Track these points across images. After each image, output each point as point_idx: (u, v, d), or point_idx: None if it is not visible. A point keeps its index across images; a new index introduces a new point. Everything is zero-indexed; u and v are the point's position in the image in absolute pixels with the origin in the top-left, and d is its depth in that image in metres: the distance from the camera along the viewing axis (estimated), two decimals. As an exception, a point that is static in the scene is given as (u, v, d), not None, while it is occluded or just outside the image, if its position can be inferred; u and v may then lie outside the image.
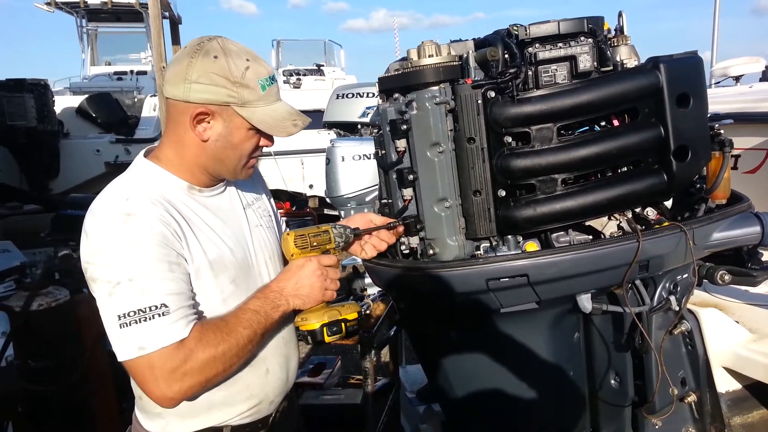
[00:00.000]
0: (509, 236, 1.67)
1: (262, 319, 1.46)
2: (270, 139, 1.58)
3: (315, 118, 9.24)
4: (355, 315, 1.58)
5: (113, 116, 10.54)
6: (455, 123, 1.64)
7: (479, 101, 1.60)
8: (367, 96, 8.19)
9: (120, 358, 1.38)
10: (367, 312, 3.08)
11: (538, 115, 1.60)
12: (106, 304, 1.38)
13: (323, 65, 12.77)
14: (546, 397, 1.98)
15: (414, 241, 1.76)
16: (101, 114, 10.51)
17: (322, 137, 8.59)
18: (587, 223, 1.76)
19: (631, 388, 1.95)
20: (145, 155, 1.59)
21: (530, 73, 1.65)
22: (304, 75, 11.85)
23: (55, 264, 3.49)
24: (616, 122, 1.69)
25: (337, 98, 8.49)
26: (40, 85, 8.49)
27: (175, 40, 10.05)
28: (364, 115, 8.21)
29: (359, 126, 8.22)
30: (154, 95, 9.76)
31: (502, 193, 1.65)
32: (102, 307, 1.40)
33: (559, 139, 1.63)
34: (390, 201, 1.85)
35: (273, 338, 1.64)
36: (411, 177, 1.71)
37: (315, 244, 1.56)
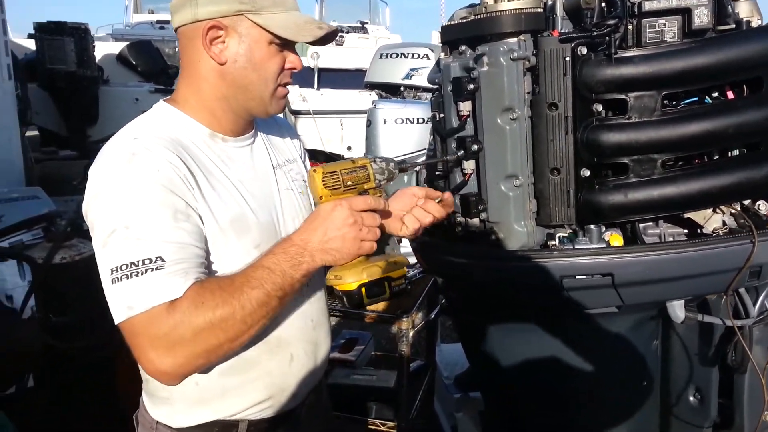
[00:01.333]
0: (591, 225, 1.38)
1: (278, 278, 1.17)
2: (297, 58, 1.33)
3: (357, 78, 8.94)
4: (402, 272, 1.27)
5: (154, 65, 10.35)
6: (534, 84, 1.35)
7: (567, 59, 1.30)
8: (412, 57, 7.79)
9: (115, 320, 1.15)
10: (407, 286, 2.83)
11: (641, 79, 1.29)
12: (100, 256, 1.16)
13: (367, 23, 12.31)
14: (612, 408, 1.73)
15: (473, 222, 1.49)
16: (142, 62, 10.34)
17: (363, 98, 8.26)
18: (686, 215, 1.46)
19: (714, 407, 1.68)
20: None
21: (631, 27, 1.34)
22: (347, 32, 11.44)
23: (81, 215, 3.32)
24: (731, 94, 1.38)
25: (381, 58, 8.11)
26: (81, 30, 8.30)
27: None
28: (407, 77, 7.83)
29: (402, 88, 7.85)
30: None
31: (586, 172, 1.37)
32: (98, 260, 1.18)
33: (663, 111, 1.33)
34: (445, 175, 1.58)
35: (300, 319, 1.40)
36: (475, 147, 1.43)
37: (349, 183, 1.23)
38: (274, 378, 1.39)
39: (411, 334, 2.53)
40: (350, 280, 1.22)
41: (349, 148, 8.90)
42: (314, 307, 1.46)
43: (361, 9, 13.17)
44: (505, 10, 1.31)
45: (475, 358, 1.86)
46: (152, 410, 1.41)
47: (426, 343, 3.10)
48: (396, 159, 1.30)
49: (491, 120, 1.38)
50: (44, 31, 7.95)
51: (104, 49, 9.75)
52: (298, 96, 8.93)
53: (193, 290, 1.14)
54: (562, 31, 1.33)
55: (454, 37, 1.47)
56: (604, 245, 1.37)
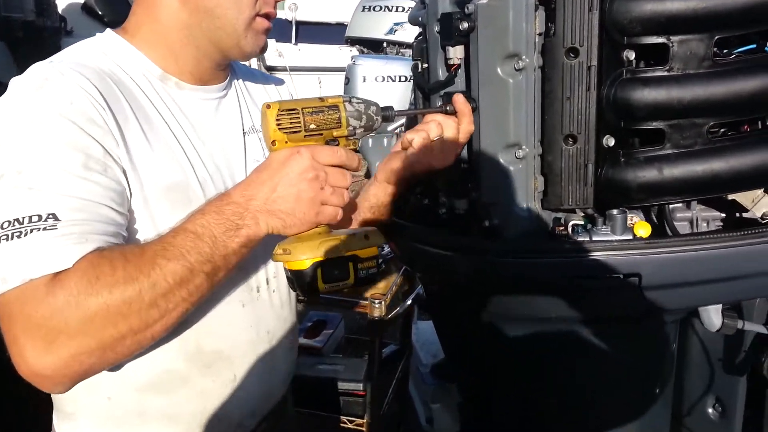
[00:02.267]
0: (614, 211, 1.07)
1: (205, 247, 0.86)
2: None
3: (338, 33, 8.47)
4: (373, 251, 0.95)
5: (122, 15, 9.73)
6: (549, 23, 1.02)
7: (595, -13, 0.97)
8: (397, 10, 7.33)
9: None
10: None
11: (692, 16, 0.97)
12: None
13: (351, -25, 11.71)
14: (615, 414, 1.45)
15: (461, 204, 1.18)
16: (109, 12, 9.72)
17: (344, 54, 7.83)
18: (731, 196, 1.16)
19: (739, 421, 1.41)
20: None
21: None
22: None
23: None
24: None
25: (363, 11, 7.64)
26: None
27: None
28: (391, 32, 7.40)
29: (385, 44, 7.42)
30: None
31: (611, 141, 1.05)
32: None
33: (715, 61, 1.00)
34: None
35: (248, 328, 1.09)
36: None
37: (313, 126, 0.90)
38: (209, 402, 1.08)
39: (385, 321, 2.24)
40: (302, 257, 0.89)
41: (328, 108, 8.51)
42: (273, 314, 1.14)
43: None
44: None
45: (455, 358, 1.56)
46: (58, 425, 1.10)
47: (402, 321, 2.82)
48: (379, 104, 0.97)
49: (490, 70, 1.05)
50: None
51: (64, -3, 9.15)
52: (273, 51, 8.45)
53: (87, 261, 0.81)
54: (588, -50, 0.99)
55: (443, -41, 1.12)
56: (631, 236, 1.06)
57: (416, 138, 1.09)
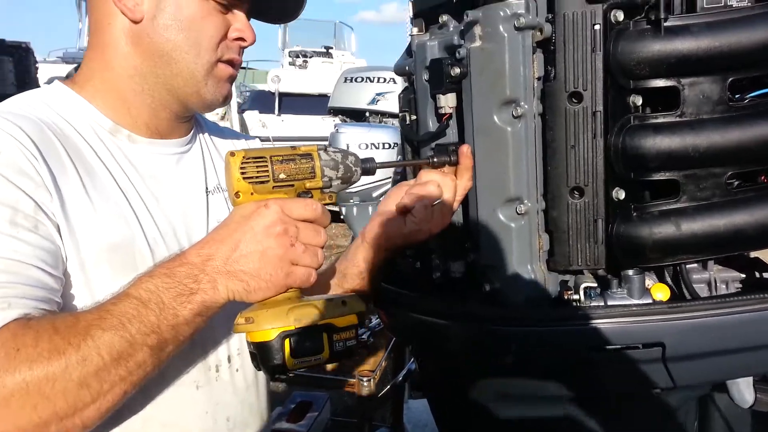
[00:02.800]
0: (630, 272, 0.96)
1: (151, 315, 0.73)
2: (247, 26, 0.95)
3: (320, 104, 8.55)
4: (351, 320, 0.81)
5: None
6: (549, 66, 0.94)
7: (597, 27, 0.89)
8: (378, 81, 7.47)
9: None
10: (370, 340, 2.37)
11: (704, 57, 0.89)
12: None
13: (332, 48, 11.99)
14: None
15: (458, 267, 1.06)
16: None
17: (327, 123, 7.90)
18: (753, 254, 1.05)
19: None
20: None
21: (681, -13, 0.94)
22: (311, 57, 11.09)
23: None
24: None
25: (345, 82, 7.76)
26: (22, 48, 7.79)
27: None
28: (373, 102, 7.51)
29: (367, 114, 7.50)
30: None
31: (621, 194, 0.95)
32: None
33: (730, 105, 0.92)
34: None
35: (204, 415, 0.94)
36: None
37: (283, 176, 0.79)
38: None
39: (374, 401, 2.07)
40: (267, 326, 0.75)
41: (311, 177, 8.49)
42: (235, 399, 0.99)
43: (326, 34, 12.90)
44: (506, -44, 0.90)
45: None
46: None
47: (393, 401, 2.63)
48: (359, 155, 0.86)
49: (486, 118, 0.95)
50: (-21, 50, 7.38)
51: (50, 71, 9.21)
52: (257, 121, 8.50)
53: (8, 330, 0.68)
54: (588, -11, 0.92)
55: (430, 3, 1.05)
56: (650, 300, 0.94)
57: (417, 206, 0.97)
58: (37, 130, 0.82)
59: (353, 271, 1.03)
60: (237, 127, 8.11)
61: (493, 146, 0.96)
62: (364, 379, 1.99)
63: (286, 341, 0.75)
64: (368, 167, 0.86)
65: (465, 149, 0.96)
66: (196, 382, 0.93)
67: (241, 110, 8.56)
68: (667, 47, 0.89)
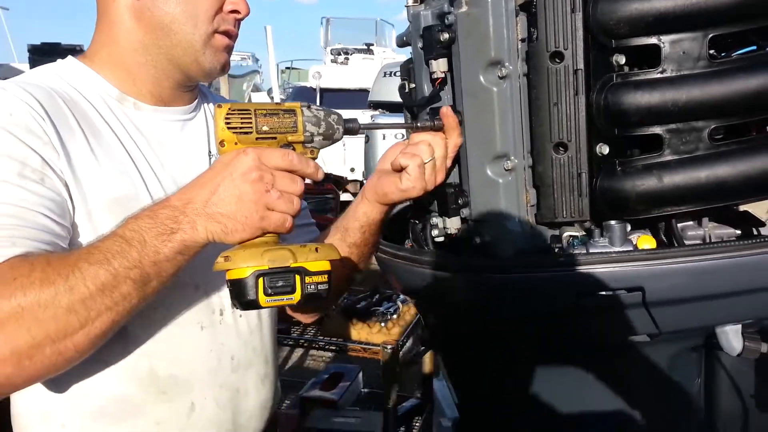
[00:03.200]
0: (612, 222, 1.00)
1: (133, 252, 0.79)
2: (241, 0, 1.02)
3: (361, 98, 8.64)
4: (323, 265, 0.85)
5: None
6: (532, 28, 0.99)
7: (576, -12, 0.94)
8: (417, 74, 7.49)
9: None
10: (395, 317, 2.44)
11: (681, 14, 0.92)
12: None
13: (373, 45, 12.09)
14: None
15: (453, 223, 1.11)
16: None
17: (366, 117, 7.96)
18: (742, 208, 1.08)
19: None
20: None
21: (663, -53, 0.97)
22: (352, 53, 11.22)
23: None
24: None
25: (384, 76, 7.81)
26: (76, 51, 8.14)
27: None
28: (412, 94, 7.52)
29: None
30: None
31: (605, 149, 0.99)
32: None
33: (710, 61, 0.95)
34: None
35: (209, 354, 1.01)
36: (453, 120, 1.06)
37: (266, 128, 0.84)
38: (166, 431, 1.01)
39: (396, 369, 2.14)
40: (242, 264, 0.81)
41: (352, 170, 8.59)
42: (238, 341, 1.06)
43: (367, 32, 13.00)
44: (488, -76, 0.95)
45: (463, 401, 1.46)
46: None
47: (422, 376, 2.70)
48: (340, 114, 0.91)
49: (473, 80, 1.01)
50: (37, 53, 7.77)
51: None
52: (298, 116, 8.67)
53: (8, 263, 0.77)
54: (568, -47, 0.96)
55: (424, -25, 1.11)
56: (631, 248, 0.98)
57: (411, 165, 1.01)
58: (47, 96, 0.90)
59: (354, 225, 1.10)
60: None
61: (480, 106, 1.02)
62: (389, 346, 2.05)
63: (260, 280, 0.81)
64: (351, 126, 0.92)
65: (445, 110, 1.02)
66: (200, 324, 1.01)
67: (284, 106, 8.75)
68: (644, 5, 0.93)
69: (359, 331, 2.31)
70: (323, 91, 8.72)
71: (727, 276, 0.93)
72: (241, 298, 0.81)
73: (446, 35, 1.02)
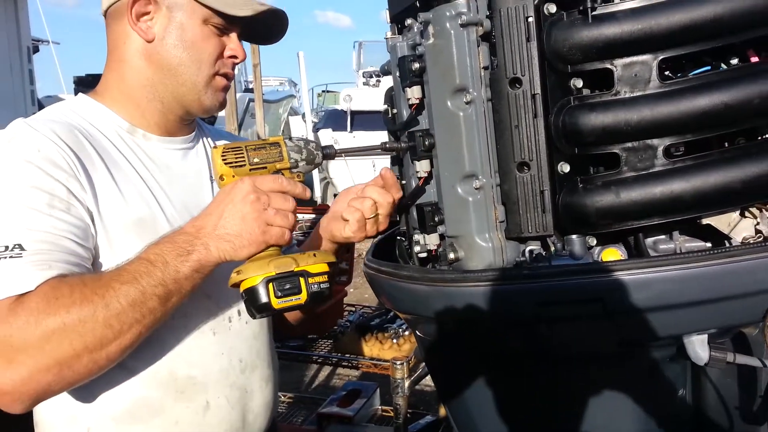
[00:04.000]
0: (573, 236, 1.06)
1: (157, 272, 0.92)
2: (239, 46, 1.15)
3: (391, 119, 8.81)
4: (322, 267, 0.97)
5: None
6: (492, 56, 1.06)
7: (530, 19, 1.01)
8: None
9: None
10: (407, 333, 2.50)
11: (629, 40, 0.99)
12: None
13: (405, 67, 12.23)
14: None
15: (432, 239, 1.19)
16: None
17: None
18: (705, 221, 1.12)
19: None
20: None
21: (616, -22, 1.04)
22: (383, 76, 11.40)
23: None
24: (755, 58, 1.05)
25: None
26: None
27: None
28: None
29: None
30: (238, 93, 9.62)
31: (566, 167, 1.05)
32: None
33: (662, 82, 1.01)
34: (404, 182, 1.29)
35: (221, 357, 1.13)
36: (427, 142, 1.14)
37: (257, 160, 0.98)
38: (184, 429, 1.11)
39: (407, 384, 2.19)
40: (252, 274, 0.93)
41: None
42: (245, 345, 1.18)
43: (398, 54, 13.13)
44: (448, -38, 1.04)
45: (450, 412, 1.51)
46: None
47: (436, 393, 2.74)
48: (318, 142, 1.06)
49: (441, 105, 1.09)
50: (83, 84, 8.19)
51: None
52: (329, 138, 8.85)
53: (48, 285, 0.89)
54: (525, -13, 1.04)
55: (399, 8, 1.20)
56: (591, 260, 1.04)
57: (351, 219, 1.15)
58: (68, 132, 1.03)
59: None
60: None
61: (449, 129, 1.09)
62: (398, 362, 2.12)
63: (270, 285, 0.92)
64: (328, 152, 1.05)
65: (383, 171, 1.17)
66: (212, 330, 1.12)
67: (316, 129, 8.95)
68: (593, 33, 0.99)
69: (371, 348, 2.38)
70: (354, 113, 8.90)
71: (680, 287, 0.97)
72: (256, 303, 0.92)
73: (417, 65, 1.11)
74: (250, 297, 0.93)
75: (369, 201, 1.13)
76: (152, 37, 1.10)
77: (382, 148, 1.13)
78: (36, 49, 8.01)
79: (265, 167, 0.99)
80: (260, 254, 0.95)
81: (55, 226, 0.94)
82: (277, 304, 0.92)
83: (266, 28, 1.19)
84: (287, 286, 0.93)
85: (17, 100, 5.95)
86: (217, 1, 1.09)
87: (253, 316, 0.96)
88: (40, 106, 7.38)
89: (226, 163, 0.97)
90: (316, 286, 0.95)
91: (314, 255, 0.97)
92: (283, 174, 1.00)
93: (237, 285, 0.95)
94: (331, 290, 0.97)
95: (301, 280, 0.94)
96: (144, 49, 1.10)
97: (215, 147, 0.99)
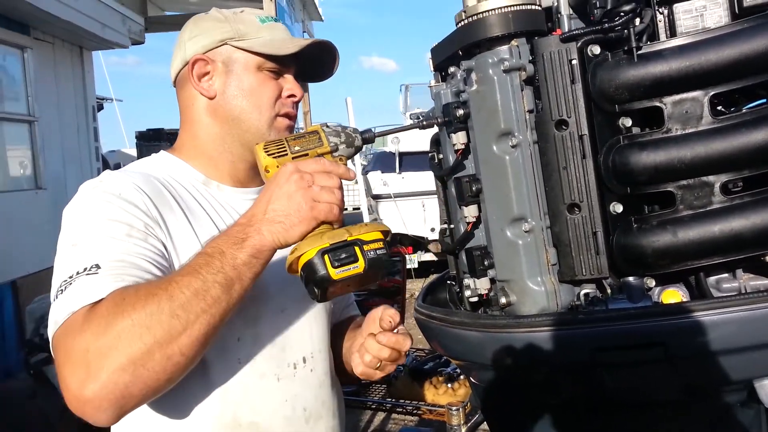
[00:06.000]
0: (630, 278, 1.03)
1: (215, 261, 0.93)
2: (295, 85, 1.20)
3: (439, 160, 8.85)
4: (376, 235, 0.95)
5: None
6: (537, 100, 1.06)
7: (574, 61, 1.01)
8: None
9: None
10: (462, 377, 2.45)
11: (677, 78, 0.97)
12: (53, 280, 1.00)
13: (451, 107, 12.33)
14: None
15: (482, 284, 1.17)
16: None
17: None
18: (770, 260, 1.07)
19: None
20: None
21: (661, 17, 1.04)
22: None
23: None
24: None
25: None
26: (175, 135, 8.90)
27: (303, 87, 10.16)
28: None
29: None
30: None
31: (618, 207, 1.03)
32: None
33: (714, 118, 0.99)
34: (452, 226, 1.28)
35: (284, 404, 1.12)
36: (474, 188, 1.14)
37: (297, 148, 0.99)
38: None
39: (464, 431, 2.14)
40: (307, 249, 0.92)
41: (432, 230, 8.68)
42: (310, 393, 1.18)
43: (444, 95, 13.26)
44: (489, 10, 1.05)
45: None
46: None
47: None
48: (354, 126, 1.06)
49: (487, 150, 1.10)
50: (143, 139, 8.59)
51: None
52: (378, 180, 8.94)
53: (117, 291, 0.91)
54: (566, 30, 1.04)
55: (442, 57, 1.22)
56: (651, 303, 1.00)
57: (367, 361, 1.09)
58: (148, 182, 1.09)
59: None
60: (362, 189, 8.58)
61: (495, 173, 1.09)
62: (453, 408, 2.07)
63: (326, 256, 0.90)
64: (367, 136, 1.05)
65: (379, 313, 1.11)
66: (277, 376, 1.12)
67: (365, 172, 9.05)
68: (640, 72, 0.98)
69: (426, 393, 2.34)
70: (402, 154, 8.97)
71: (748, 329, 0.93)
72: (314, 276, 0.90)
73: (461, 111, 1.11)
74: (308, 272, 0.92)
75: (385, 351, 1.08)
76: (214, 94, 1.16)
77: (420, 126, 1.13)
78: (100, 107, 8.47)
79: (307, 154, 1.00)
80: (312, 233, 0.94)
81: (132, 251, 0.99)
82: (335, 274, 0.90)
83: (318, 62, 1.24)
84: (343, 256, 0.91)
85: (83, 156, 6.27)
86: (265, 46, 1.14)
87: (315, 297, 0.94)
88: (104, 161, 7.76)
89: (269, 155, 0.98)
90: (372, 252, 0.93)
91: (366, 225, 0.96)
92: (324, 158, 1.01)
93: (294, 267, 0.95)
94: (388, 255, 0.95)
95: (356, 248, 0.92)
96: (208, 106, 1.17)
97: (257, 143, 1.02)
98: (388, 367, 1.10)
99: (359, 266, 0.92)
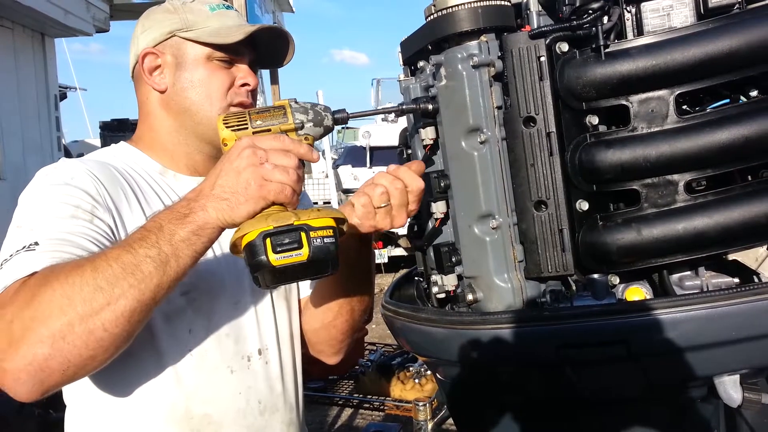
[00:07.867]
0: (595, 275, 1.03)
1: (152, 235, 0.87)
2: (248, 72, 1.18)
3: (410, 154, 8.86)
4: (326, 222, 0.87)
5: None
6: (505, 96, 1.06)
7: (542, 59, 1.01)
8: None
9: None
10: (429, 373, 2.45)
11: (643, 76, 0.98)
12: None
13: (422, 102, 12.36)
14: None
15: (449, 280, 1.17)
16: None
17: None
18: (731, 257, 1.09)
19: None
20: None
21: (628, 14, 1.04)
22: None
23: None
24: (776, 91, 1.03)
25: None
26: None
27: (274, 80, 10.03)
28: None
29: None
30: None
31: (584, 205, 1.04)
32: None
33: (679, 117, 0.99)
34: (419, 222, 1.28)
35: (237, 397, 1.11)
36: (442, 183, 1.13)
37: (259, 122, 0.91)
38: None
39: (430, 427, 2.14)
40: (249, 230, 0.84)
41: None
42: (265, 386, 1.15)
43: (415, 90, 13.29)
44: (458, 5, 1.04)
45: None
46: None
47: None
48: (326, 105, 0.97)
49: (455, 145, 1.09)
50: (107, 129, 8.40)
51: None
52: (349, 174, 8.91)
53: (51, 265, 0.88)
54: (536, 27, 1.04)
55: (411, 51, 1.21)
56: (615, 300, 1.01)
57: (357, 204, 1.06)
58: (104, 169, 1.07)
59: None
60: (332, 182, 8.53)
61: (464, 169, 1.09)
62: (420, 404, 2.07)
63: (267, 240, 0.83)
64: (339, 116, 0.98)
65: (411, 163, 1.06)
66: (230, 368, 1.10)
67: (336, 166, 9.01)
68: (607, 70, 0.99)
69: (393, 388, 2.34)
70: (373, 149, 8.96)
71: (709, 327, 0.94)
72: (253, 259, 0.83)
73: (430, 106, 1.10)
74: (249, 254, 0.84)
75: (380, 188, 1.04)
76: (165, 87, 1.15)
77: (398, 111, 1.10)
78: (63, 96, 8.25)
79: (269, 129, 0.93)
80: (261, 213, 0.87)
81: (74, 230, 0.96)
82: (275, 260, 0.82)
83: (273, 48, 1.21)
84: (286, 241, 0.83)
85: (44, 146, 6.10)
86: (211, 36, 1.12)
87: (256, 283, 0.87)
88: (66, 151, 7.56)
89: (227, 127, 0.92)
90: (319, 240, 0.84)
91: (318, 210, 0.89)
92: (287, 135, 0.93)
93: (237, 248, 0.88)
94: (337, 246, 0.86)
95: (302, 234, 0.84)
96: (161, 99, 1.16)
97: (219, 115, 0.97)
98: (386, 220, 1.04)
99: (303, 254, 0.83)
